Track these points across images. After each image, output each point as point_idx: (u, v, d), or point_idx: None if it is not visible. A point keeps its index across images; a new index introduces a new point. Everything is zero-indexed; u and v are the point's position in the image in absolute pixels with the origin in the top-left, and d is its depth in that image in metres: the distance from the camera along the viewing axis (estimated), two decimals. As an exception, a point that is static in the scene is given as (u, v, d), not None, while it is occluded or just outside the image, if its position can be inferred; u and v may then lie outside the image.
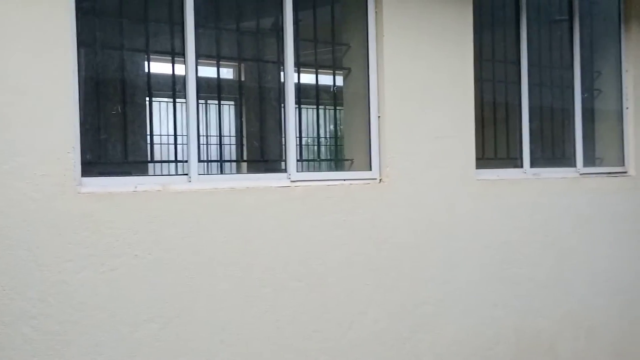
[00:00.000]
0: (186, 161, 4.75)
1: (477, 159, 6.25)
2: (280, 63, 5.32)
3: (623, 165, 7.78)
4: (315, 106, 5.82)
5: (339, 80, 5.91)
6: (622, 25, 7.80)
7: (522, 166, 6.83)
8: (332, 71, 5.87)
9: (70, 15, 4.15)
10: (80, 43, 4.25)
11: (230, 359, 4.74)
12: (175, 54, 4.89)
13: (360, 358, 5.42)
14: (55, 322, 4.02)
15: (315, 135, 5.95)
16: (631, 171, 7.76)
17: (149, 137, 5.11)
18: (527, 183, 6.77)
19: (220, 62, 5.50)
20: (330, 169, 6.06)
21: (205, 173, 5.11)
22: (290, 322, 5.03)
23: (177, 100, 4.97)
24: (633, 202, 7.71)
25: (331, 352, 5.26)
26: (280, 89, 5.32)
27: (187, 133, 4.74)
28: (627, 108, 7.79)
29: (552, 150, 7.45)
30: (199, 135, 4.86)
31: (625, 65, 7.80)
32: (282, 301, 4.99)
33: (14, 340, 3.88)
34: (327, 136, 6.18)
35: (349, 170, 5.77)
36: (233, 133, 7.41)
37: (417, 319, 5.78)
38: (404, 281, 5.69)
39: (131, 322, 4.30)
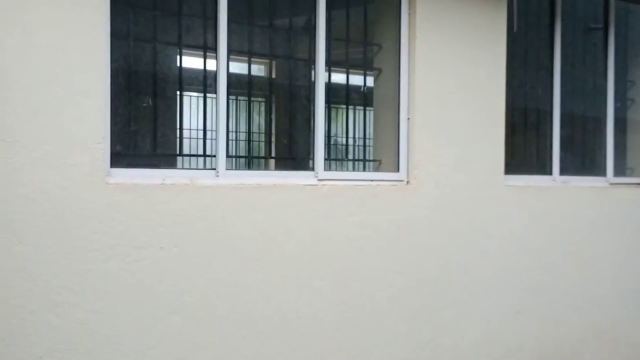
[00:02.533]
0: (214, 156, 4.77)
1: (506, 164, 6.21)
2: (311, 61, 5.33)
3: (653, 176, 7.70)
4: (345, 106, 5.81)
5: (370, 81, 5.90)
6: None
7: (551, 173, 6.78)
8: (363, 71, 5.86)
9: (105, 5, 4.18)
10: (114, 34, 4.28)
11: (251, 354, 4.75)
12: (208, 48, 4.92)
13: (383, 358, 5.40)
14: (80, 310, 4.05)
15: (344, 134, 5.94)
16: (662, 182, 7.68)
17: (178, 130, 5.14)
18: (555, 190, 6.71)
19: (252, 59, 5.51)
20: (358, 169, 6.05)
21: (233, 168, 5.12)
22: (311, 321, 5.03)
23: (208, 95, 4.98)
24: (662, 214, 7.62)
25: (351, 352, 5.25)
26: (311, 87, 5.33)
27: (217, 128, 4.75)
28: (659, 118, 7.71)
29: (583, 159, 7.39)
30: (228, 131, 4.88)
31: (659, 75, 7.72)
32: (305, 299, 4.99)
33: (39, 328, 3.91)
34: (356, 136, 6.17)
35: (376, 171, 5.76)
36: (262, 130, 7.42)
37: (439, 323, 5.76)
38: (426, 284, 5.67)
39: (154, 313, 4.32)
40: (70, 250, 4.02)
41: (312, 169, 5.20)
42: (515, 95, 6.58)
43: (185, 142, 5.30)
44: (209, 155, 4.96)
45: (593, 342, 6.97)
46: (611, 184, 7.28)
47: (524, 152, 6.82)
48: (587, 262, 6.91)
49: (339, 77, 5.74)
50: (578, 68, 7.24)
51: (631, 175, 7.69)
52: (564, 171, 6.86)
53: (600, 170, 7.32)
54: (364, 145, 6.00)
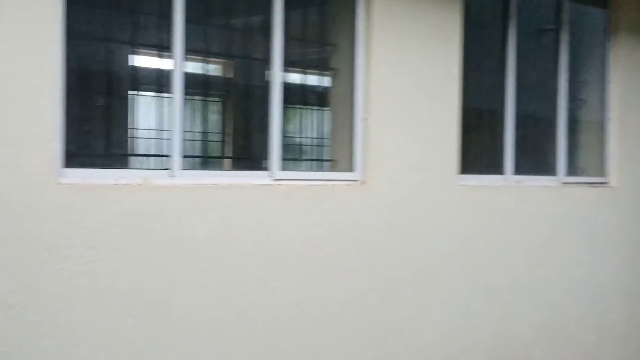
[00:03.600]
0: (169, 156, 4.74)
1: (461, 164, 6.27)
2: (267, 61, 5.32)
3: (605, 175, 7.82)
4: (301, 106, 5.82)
5: (326, 81, 5.91)
6: (609, 37, 7.84)
7: (504, 173, 6.86)
8: (319, 71, 5.86)
9: (59, 4, 4.13)
10: (68, 33, 4.23)
11: (206, 355, 4.73)
12: (163, 48, 4.88)
13: (337, 359, 5.42)
14: (32, 312, 4.00)
15: (300, 134, 5.95)
16: (613, 182, 7.81)
17: (132, 130, 5.11)
18: (508, 190, 6.79)
19: (208, 59, 5.49)
20: (314, 169, 6.05)
21: (189, 169, 5.09)
22: (268, 321, 5.03)
23: (163, 94, 4.95)
24: (613, 212, 7.76)
25: (308, 352, 5.26)
26: (267, 87, 5.32)
27: (172, 128, 4.72)
28: (610, 119, 7.83)
29: (536, 158, 7.48)
30: (183, 131, 4.85)
31: (610, 76, 7.85)
32: (261, 299, 4.98)
33: (-11, 329, 3.86)
34: (312, 136, 6.18)
35: (332, 171, 5.77)
36: (218, 130, 7.39)
37: (395, 322, 5.79)
38: (382, 283, 5.70)
39: (108, 314, 4.28)
40: (22, 252, 3.96)
41: (268, 168, 5.20)
42: (470, 95, 6.63)
43: (140, 142, 5.27)
44: (163, 155, 4.93)
45: (546, 341, 7.06)
46: (563, 183, 7.38)
47: (478, 152, 6.88)
48: (541, 261, 7.00)
49: (295, 77, 5.75)
50: (531, 68, 7.32)
51: (582, 174, 7.80)
52: (517, 171, 6.94)
53: (552, 170, 7.42)
54: (320, 145, 6.01)
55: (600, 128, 7.89)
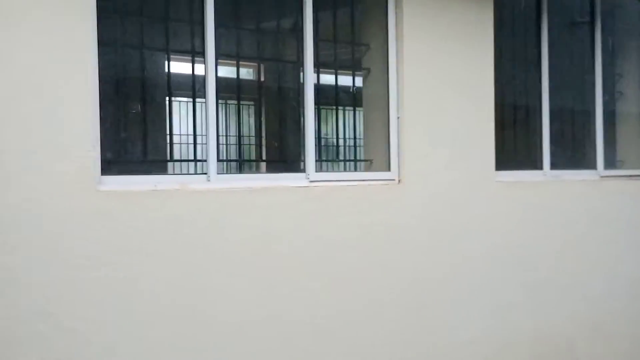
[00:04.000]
0: (205, 160, 4.76)
1: (497, 160, 6.22)
2: (299, 63, 5.33)
3: (644, 168, 7.73)
4: (334, 106, 5.82)
5: (359, 81, 5.90)
6: (645, 28, 7.75)
7: (542, 168, 6.80)
8: (351, 71, 5.86)
9: (92, 13, 4.17)
10: (101, 42, 4.27)
11: (245, 357, 4.74)
12: (196, 53, 4.91)
13: (376, 357, 5.41)
14: (72, 319, 4.03)
15: (335, 135, 5.95)
16: (652, 174, 7.71)
17: (168, 136, 5.14)
18: (547, 185, 6.73)
19: (240, 62, 5.51)
20: (349, 170, 6.05)
21: (224, 172, 5.12)
22: (303, 323, 5.03)
23: (197, 99, 4.98)
24: (654, 205, 7.65)
25: (345, 352, 5.25)
26: (300, 89, 5.33)
27: (207, 132, 4.75)
28: (648, 111, 7.74)
29: (573, 153, 7.41)
30: (218, 135, 4.88)
31: (646, 67, 7.75)
32: (297, 301, 4.99)
33: (31, 337, 3.90)
34: (347, 136, 6.17)
35: (367, 171, 5.76)
36: (252, 133, 7.42)
37: (432, 321, 5.77)
38: (420, 282, 5.68)
39: (148, 320, 4.32)
40: (62, 259, 4.00)
41: (303, 170, 5.20)
42: (504, 92, 6.60)
43: (176, 147, 5.31)
44: (199, 160, 4.96)
45: (588, 337, 6.99)
46: (602, 176, 7.30)
47: (514, 148, 6.83)
48: (580, 255, 6.93)
49: (327, 78, 5.75)
50: (566, 62, 7.26)
51: (621, 167, 7.72)
52: (554, 165, 6.88)
53: (590, 164, 7.34)
54: (355, 146, 6.01)
55: (638, 120, 7.78)
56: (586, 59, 7.41)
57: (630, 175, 7.58)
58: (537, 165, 6.82)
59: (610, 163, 7.56)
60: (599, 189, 7.19)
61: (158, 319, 4.36)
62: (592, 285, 7.04)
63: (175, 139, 5.32)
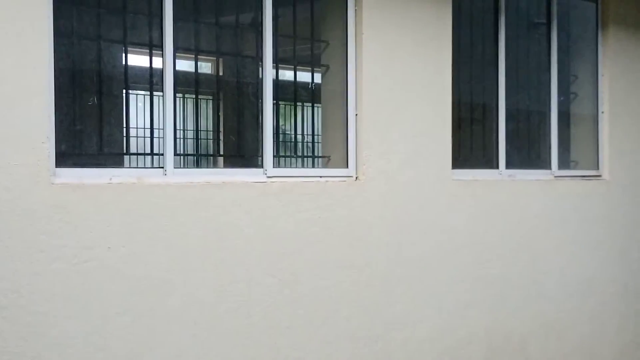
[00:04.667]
0: (162, 154, 4.73)
1: (454, 159, 6.27)
2: (258, 59, 5.31)
3: (597, 168, 7.84)
4: (293, 102, 5.81)
5: (318, 78, 5.90)
6: (599, 30, 7.85)
7: (498, 167, 6.86)
8: (310, 68, 5.86)
9: (48, 3, 4.11)
10: (57, 32, 4.21)
11: (201, 353, 4.72)
12: (153, 46, 4.87)
13: (333, 355, 5.42)
14: (27, 313, 3.98)
15: (293, 131, 5.94)
16: (605, 175, 7.82)
17: (124, 129, 5.09)
18: (502, 184, 6.80)
19: (199, 56, 5.48)
20: (307, 166, 6.05)
21: (182, 167, 5.08)
22: (262, 318, 5.02)
23: (154, 93, 4.94)
24: (606, 205, 7.78)
25: (303, 348, 5.26)
26: (258, 84, 5.31)
27: (164, 126, 4.71)
28: (602, 112, 7.85)
29: (528, 152, 7.50)
30: (175, 129, 4.84)
31: (601, 69, 7.86)
32: (256, 297, 4.98)
33: (-16, 331, 3.84)
34: (305, 133, 6.17)
35: (326, 167, 5.77)
36: (210, 128, 7.39)
37: (390, 317, 5.79)
38: (377, 279, 5.70)
39: (103, 314, 4.27)
40: (16, 252, 3.95)
41: (261, 166, 5.19)
42: (462, 90, 6.65)
43: (132, 140, 5.25)
44: (156, 154, 4.92)
45: (541, 333, 7.08)
46: (556, 176, 7.39)
47: (471, 147, 6.89)
48: (534, 254, 7.02)
49: (286, 74, 5.74)
50: (522, 63, 7.34)
51: (575, 168, 7.82)
52: (510, 165, 6.95)
53: (545, 164, 7.43)
54: (313, 142, 6.01)
55: (592, 121, 7.90)
56: (542, 60, 7.50)
57: (584, 176, 7.69)
58: (493, 164, 6.88)
59: (564, 163, 7.66)
60: (553, 189, 7.28)
61: (113, 313, 4.31)
62: (546, 283, 7.13)
63: (132, 132, 5.27)
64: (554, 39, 7.46)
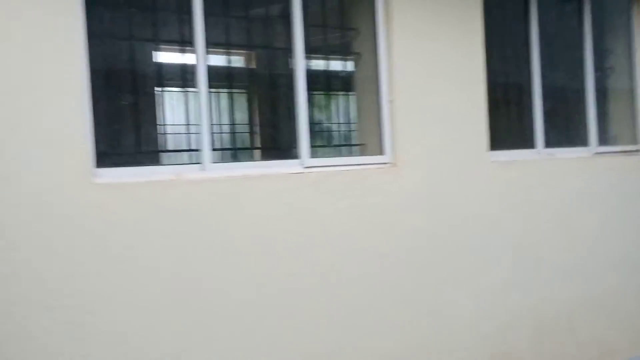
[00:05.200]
0: (199, 150, 4.75)
1: (491, 140, 6.23)
2: (289, 50, 5.31)
3: (637, 143, 7.73)
4: (326, 92, 5.80)
5: (350, 66, 5.89)
6: (633, 3, 7.74)
7: (535, 147, 6.80)
8: (342, 56, 5.84)
9: (79, 5, 4.15)
10: (90, 33, 4.25)
11: (247, 343, 4.75)
12: (185, 43, 4.89)
13: (375, 344, 5.42)
14: (76, 313, 4.03)
15: (328, 120, 5.94)
16: (645, 149, 7.72)
17: (161, 127, 5.13)
18: (541, 163, 6.74)
19: (230, 51, 5.49)
20: (343, 155, 6.04)
21: (219, 161, 5.10)
22: (303, 308, 5.03)
23: (188, 89, 4.97)
24: (648, 180, 7.67)
25: (347, 336, 5.26)
26: (291, 75, 5.31)
27: (200, 122, 4.73)
28: (638, 86, 7.73)
29: (566, 130, 7.42)
30: (211, 124, 4.86)
31: (636, 43, 7.75)
32: (297, 288, 4.99)
33: (34, 332, 3.89)
34: (340, 121, 6.16)
35: (362, 155, 5.76)
36: (245, 121, 7.40)
37: (432, 302, 5.78)
38: (418, 265, 5.68)
39: (147, 312, 4.31)
40: (62, 253, 4.00)
41: (298, 157, 5.19)
42: (495, 72, 6.58)
43: (170, 138, 5.29)
44: (193, 150, 4.94)
45: (587, 312, 7.01)
46: (595, 153, 7.31)
47: (507, 128, 6.84)
48: (576, 232, 6.95)
49: (318, 64, 5.74)
50: (555, 40, 7.25)
51: (615, 143, 7.73)
52: (548, 144, 6.89)
53: (584, 141, 7.35)
54: (348, 130, 6.00)
55: (630, 95, 7.80)
56: (576, 36, 7.41)
57: (624, 151, 7.59)
58: (530, 144, 6.82)
59: (603, 139, 7.57)
60: (593, 166, 7.20)
61: (158, 310, 4.35)
62: (589, 261, 7.06)
63: (168, 129, 5.30)
64: (587, 14, 7.37)
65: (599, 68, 7.65)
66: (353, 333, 5.29)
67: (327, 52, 5.66)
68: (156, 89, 5.18)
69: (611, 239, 7.29)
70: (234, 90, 5.80)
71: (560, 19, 7.43)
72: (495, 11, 6.63)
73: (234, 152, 6.06)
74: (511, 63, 6.94)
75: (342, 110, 6.05)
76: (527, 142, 6.84)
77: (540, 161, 6.75)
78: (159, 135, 5.36)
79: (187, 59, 4.86)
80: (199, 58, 4.72)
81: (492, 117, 6.33)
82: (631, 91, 7.79)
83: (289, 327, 4.95)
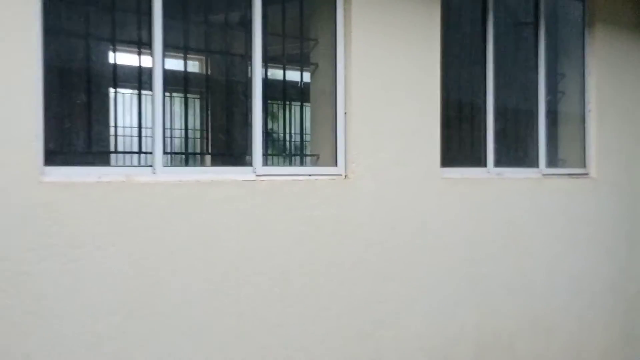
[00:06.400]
0: (151, 153, 4.71)
1: (442, 157, 6.28)
2: (247, 57, 5.30)
3: (585, 167, 7.87)
4: (282, 101, 5.81)
5: (307, 76, 5.90)
6: (586, 29, 7.89)
7: (486, 165, 6.88)
8: (300, 66, 5.86)
9: (36, 1, 4.09)
10: (46, 30, 4.19)
11: (192, 352, 4.71)
12: (142, 44, 4.85)
13: (323, 353, 5.42)
14: (16, 313, 3.96)
15: (282, 130, 5.94)
16: (592, 173, 7.86)
17: (113, 127, 5.08)
18: (490, 182, 6.82)
19: (188, 55, 5.46)
20: (296, 164, 6.04)
21: (170, 165, 5.07)
22: (253, 316, 5.01)
23: (143, 91, 4.93)
24: (594, 203, 7.81)
25: (293, 346, 5.25)
26: (248, 83, 5.30)
27: (153, 125, 4.69)
28: (589, 110, 7.88)
29: (516, 151, 7.52)
30: (164, 127, 4.82)
31: (588, 67, 7.90)
32: (245, 295, 4.97)
33: (-28, 330, 3.82)
34: (294, 131, 6.17)
35: (315, 165, 5.76)
36: (199, 126, 7.37)
37: (380, 315, 5.80)
38: (367, 277, 5.70)
39: (93, 313, 4.25)
40: (5, 252, 3.93)
41: (250, 164, 5.18)
42: (451, 89, 6.66)
43: (120, 139, 5.24)
44: (145, 152, 4.90)
45: (529, 331, 7.10)
46: (544, 175, 7.42)
47: (459, 145, 6.91)
48: (522, 252, 7.04)
49: (276, 73, 5.74)
50: (510, 62, 7.36)
51: (563, 166, 7.85)
52: (498, 163, 6.97)
53: (533, 162, 7.45)
54: (302, 140, 6.00)
55: (580, 120, 7.94)
56: (530, 59, 7.53)
57: (572, 174, 7.72)
58: (481, 162, 6.90)
59: (552, 161, 7.69)
60: (541, 187, 7.31)
61: (104, 313, 4.29)
62: (535, 281, 7.16)
63: (120, 131, 5.26)
64: (542, 38, 7.49)
65: (551, 91, 7.78)
66: (301, 342, 5.28)
67: (285, 61, 5.67)
68: (110, 89, 5.12)
69: (557, 259, 7.40)
70: (189, 95, 5.77)
71: (516, 42, 7.55)
72: (453, 30, 6.71)
73: (185, 156, 6.02)
74: (466, 82, 7.03)
75: (297, 120, 6.06)
76: (478, 160, 6.92)
77: (489, 180, 6.84)
78: (110, 136, 5.30)
79: (144, 61, 4.82)
80: (155, 60, 4.68)
81: (446, 134, 6.40)
82: (581, 115, 7.93)
83: (237, 335, 4.92)
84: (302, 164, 6.03)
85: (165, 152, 4.79)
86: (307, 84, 5.91)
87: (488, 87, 6.93)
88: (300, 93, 5.90)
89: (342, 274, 5.54)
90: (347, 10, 5.62)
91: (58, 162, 4.32)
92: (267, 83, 5.31)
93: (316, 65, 5.85)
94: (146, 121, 4.87)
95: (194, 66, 7.08)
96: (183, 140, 6.50)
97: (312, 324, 5.35)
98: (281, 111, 5.91)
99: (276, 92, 5.82)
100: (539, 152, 7.46)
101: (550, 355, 7.31)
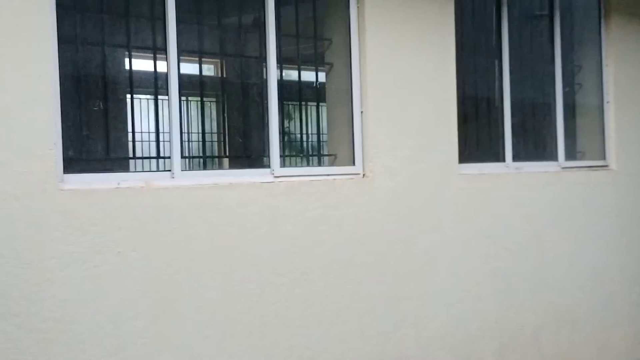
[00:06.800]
0: (169, 157, 4.73)
1: (460, 153, 6.27)
2: (262, 59, 5.31)
3: (604, 159, 7.83)
4: (298, 102, 5.81)
5: (322, 76, 5.90)
6: (602, 20, 7.84)
7: (504, 160, 6.86)
8: (314, 66, 5.86)
9: (51, 10, 4.12)
10: (61, 39, 4.22)
11: (214, 355, 4.73)
12: (157, 49, 4.87)
13: (345, 353, 5.42)
14: (39, 319, 3.99)
15: (299, 130, 5.94)
16: (612, 165, 7.81)
17: (131, 133, 5.09)
18: (509, 177, 6.79)
19: (203, 59, 5.47)
20: (313, 165, 6.04)
21: (188, 169, 5.09)
22: (274, 318, 5.02)
23: (159, 96, 4.94)
24: (614, 195, 7.77)
25: (315, 347, 5.26)
26: (263, 84, 5.31)
27: (170, 129, 4.71)
28: (607, 102, 7.84)
29: (534, 145, 7.49)
30: (181, 132, 4.84)
31: (605, 59, 7.85)
32: (266, 297, 4.98)
33: (-3, 339, 3.85)
34: (311, 131, 6.17)
35: (332, 165, 5.76)
36: (216, 129, 7.39)
37: (401, 314, 5.79)
38: (387, 275, 5.70)
39: (115, 319, 4.28)
40: (27, 260, 3.95)
41: (268, 166, 5.19)
42: (466, 85, 6.64)
43: (139, 145, 5.25)
44: (163, 157, 4.92)
45: (552, 324, 7.07)
46: (563, 168, 7.39)
47: (477, 141, 6.89)
48: (542, 245, 7.01)
49: (291, 74, 5.74)
50: (526, 55, 7.32)
51: (582, 158, 7.81)
52: (516, 157, 6.95)
53: (552, 155, 7.42)
54: (319, 140, 6.01)
55: (598, 111, 7.89)
56: (546, 52, 7.49)
57: (590, 166, 7.68)
58: (499, 157, 6.88)
59: (571, 154, 7.65)
60: (560, 180, 7.27)
61: (125, 318, 4.32)
62: (556, 274, 7.12)
63: (138, 136, 5.27)
64: (557, 30, 7.45)
65: (569, 83, 7.74)
66: (323, 343, 5.29)
67: (300, 62, 5.67)
68: (127, 95, 5.14)
69: (578, 252, 7.36)
70: (205, 99, 5.78)
71: (531, 35, 7.50)
72: (468, 25, 6.69)
73: (203, 160, 6.04)
74: (482, 77, 7.00)
75: (313, 120, 6.06)
76: (496, 155, 6.89)
77: (508, 174, 6.81)
78: (128, 142, 5.32)
79: (159, 66, 4.84)
80: (170, 65, 4.71)
81: (462, 130, 6.38)
82: (599, 107, 7.88)
83: (259, 337, 4.94)
84: (319, 164, 6.03)
85: (183, 156, 4.81)
86: (322, 84, 5.91)
87: (504, 81, 6.90)
88: (316, 93, 5.90)
89: (363, 272, 5.54)
90: (360, 9, 5.62)
91: (77, 170, 4.34)
92: (282, 84, 5.32)
93: (331, 64, 5.85)
94: (164, 126, 4.89)
95: (209, 69, 7.10)
96: (200, 143, 6.52)
97: (333, 324, 5.36)
98: (297, 112, 5.91)
99: (292, 93, 5.82)
100: (558, 145, 7.43)
101: (574, 349, 7.28)
